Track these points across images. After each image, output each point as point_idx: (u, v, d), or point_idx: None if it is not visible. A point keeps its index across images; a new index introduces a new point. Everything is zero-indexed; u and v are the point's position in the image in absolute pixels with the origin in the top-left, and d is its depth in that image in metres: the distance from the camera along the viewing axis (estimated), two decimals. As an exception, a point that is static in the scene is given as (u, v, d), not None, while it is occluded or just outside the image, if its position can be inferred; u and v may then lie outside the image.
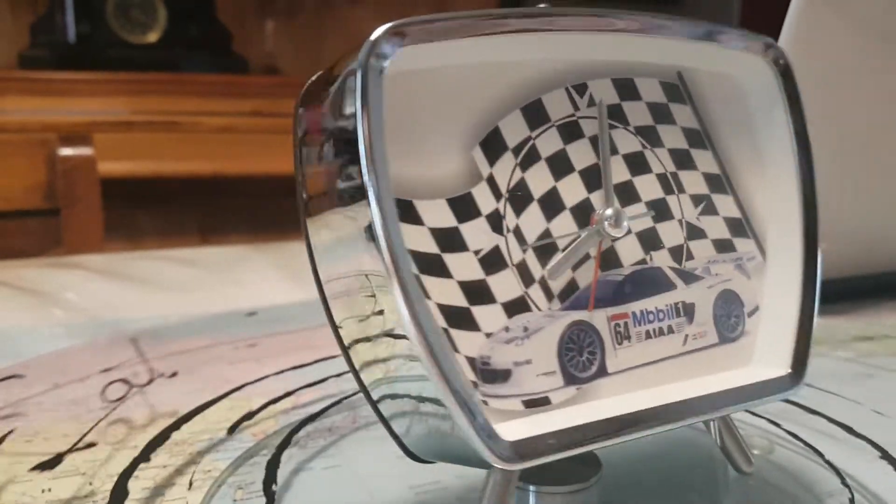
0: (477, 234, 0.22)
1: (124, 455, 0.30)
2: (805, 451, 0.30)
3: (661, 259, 0.26)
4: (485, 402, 0.21)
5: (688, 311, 0.26)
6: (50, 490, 0.27)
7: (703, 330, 0.26)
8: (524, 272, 0.23)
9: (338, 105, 0.20)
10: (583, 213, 0.24)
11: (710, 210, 0.27)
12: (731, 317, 0.27)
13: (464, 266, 0.22)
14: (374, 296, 0.20)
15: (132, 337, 0.45)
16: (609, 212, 0.23)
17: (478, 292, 0.22)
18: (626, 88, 0.26)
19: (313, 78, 0.23)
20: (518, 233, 0.23)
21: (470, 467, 0.22)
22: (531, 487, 0.24)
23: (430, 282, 0.21)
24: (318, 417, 0.33)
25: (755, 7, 2.64)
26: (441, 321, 0.21)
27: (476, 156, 0.22)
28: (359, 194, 0.19)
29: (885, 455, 0.30)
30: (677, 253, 0.26)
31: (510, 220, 0.23)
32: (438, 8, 2.02)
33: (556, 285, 0.23)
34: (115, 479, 0.28)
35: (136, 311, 0.53)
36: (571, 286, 0.24)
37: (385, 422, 0.23)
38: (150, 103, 1.44)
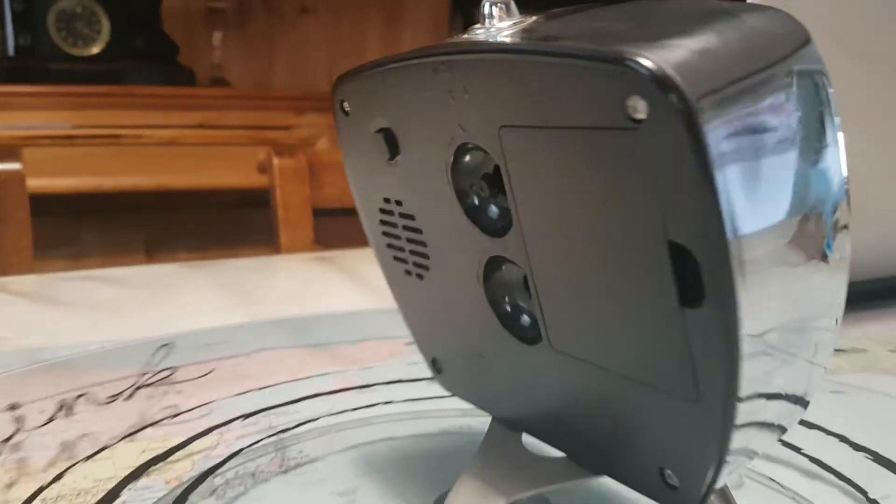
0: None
1: (13, 511, 0.26)
2: (770, 482, 0.28)
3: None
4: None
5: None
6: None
7: None
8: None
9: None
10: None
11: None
12: None
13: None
14: None
15: (46, 367, 0.42)
16: None
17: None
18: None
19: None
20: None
21: None
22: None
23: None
24: (239, 459, 0.30)
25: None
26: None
27: None
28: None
29: (849, 483, 0.27)
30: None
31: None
32: (391, 15, 1.99)
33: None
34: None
35: (59, 339, 0.49)
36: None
37: None
38: (92, 117, 1.39)
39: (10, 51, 1.63)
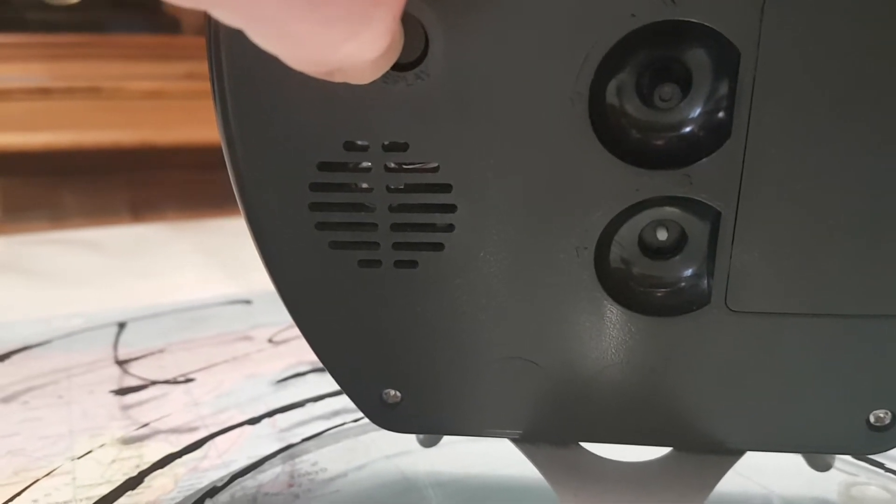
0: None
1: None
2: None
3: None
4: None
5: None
6: None
7: None
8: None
9: None
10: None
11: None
12: None
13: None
14: None
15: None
16: None
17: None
18: None
19: None
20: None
21: None
22: None
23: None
24: (238, 479, 0.23)
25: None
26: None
27: None
28: None
29: None
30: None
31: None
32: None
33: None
34: None
35: (15, 314, 0.42)
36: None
37: None
38: (70, 68, 1.30)
39: (-17, 0, 1.55)
